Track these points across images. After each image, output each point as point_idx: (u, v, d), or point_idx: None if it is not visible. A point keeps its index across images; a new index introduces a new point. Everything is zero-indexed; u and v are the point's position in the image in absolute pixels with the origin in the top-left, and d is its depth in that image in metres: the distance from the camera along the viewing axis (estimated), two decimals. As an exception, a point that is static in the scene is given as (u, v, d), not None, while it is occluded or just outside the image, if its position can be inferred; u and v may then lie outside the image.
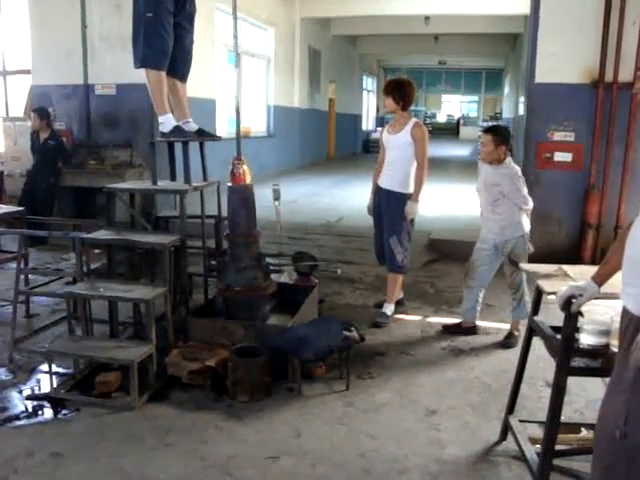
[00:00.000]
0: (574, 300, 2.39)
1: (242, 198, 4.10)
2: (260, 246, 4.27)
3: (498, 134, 4.39)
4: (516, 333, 4.54)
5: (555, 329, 2.76)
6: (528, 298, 4.45)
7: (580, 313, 2.47)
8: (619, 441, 1.94)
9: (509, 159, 4.41)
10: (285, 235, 5.93)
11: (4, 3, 9.30)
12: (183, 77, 4.35)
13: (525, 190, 4.37)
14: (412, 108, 4.94)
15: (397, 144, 4.81)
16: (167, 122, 4.16)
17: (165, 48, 4.02)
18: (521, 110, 12.14)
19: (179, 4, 4.08)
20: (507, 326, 4.76)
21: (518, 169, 4.42)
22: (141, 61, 4.06)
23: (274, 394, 3.66)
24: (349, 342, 3.82)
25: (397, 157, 4.81)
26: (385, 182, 4.90)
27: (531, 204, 4.40)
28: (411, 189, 4.78)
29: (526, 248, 4.43)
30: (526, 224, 4.46)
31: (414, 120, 4.83)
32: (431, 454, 3.08)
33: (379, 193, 4.95)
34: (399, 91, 4.76)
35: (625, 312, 2.04)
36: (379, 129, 12.03)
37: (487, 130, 4.53)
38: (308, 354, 3.66)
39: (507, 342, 4.53)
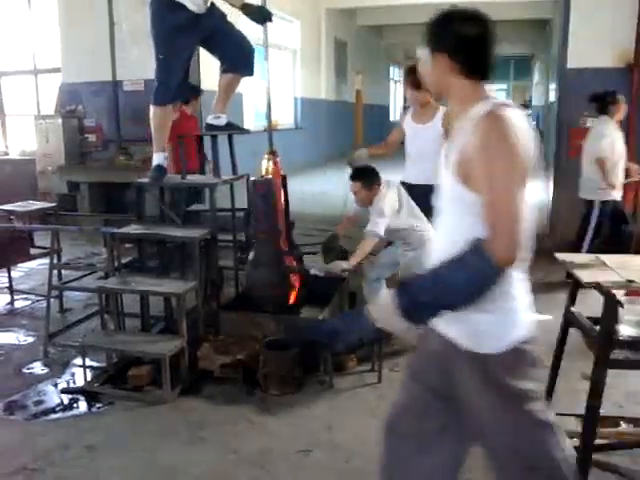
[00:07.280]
0: None
1: (261, 193, 3.97)
2: (293, 238, 4.20)
3: (364, 178, 4.22)
4: None
5: (593, 320, 2.69)
6: None
7: (620, 304, 2.40)
8: None
9: (382, 190, 4.21)
10: (313, 227, 5.91)
11: (34, 3, 9.41)
12: (250, 71, 4.37)
13: (380, 219, 4.09)
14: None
15: (429, 135, 4.49)
16: (157, 159, 4.17)
17: (170, 86, 4.04)
18: (552, 97, 11.91)
19: (198, 25, 4.08)
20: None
21: (388, 199, 4.16)
22: (152, 99, 4.11)
23: (305, 387, 3.65)
24: (381, 334, 3.78)
25: (431, 149, 4.22)
26: (421, 176, 4.40)
27: (378, 233, 4.09)
28: None
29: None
30: (402, 253, 4.28)
31: (443, 108, 4.55)
32: (466, 447, 3.03)
33: (409, 190, 4.45)
34: None
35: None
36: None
37: (353, 177, 4.31)
38: (339, 346, 3.63)
39: None
